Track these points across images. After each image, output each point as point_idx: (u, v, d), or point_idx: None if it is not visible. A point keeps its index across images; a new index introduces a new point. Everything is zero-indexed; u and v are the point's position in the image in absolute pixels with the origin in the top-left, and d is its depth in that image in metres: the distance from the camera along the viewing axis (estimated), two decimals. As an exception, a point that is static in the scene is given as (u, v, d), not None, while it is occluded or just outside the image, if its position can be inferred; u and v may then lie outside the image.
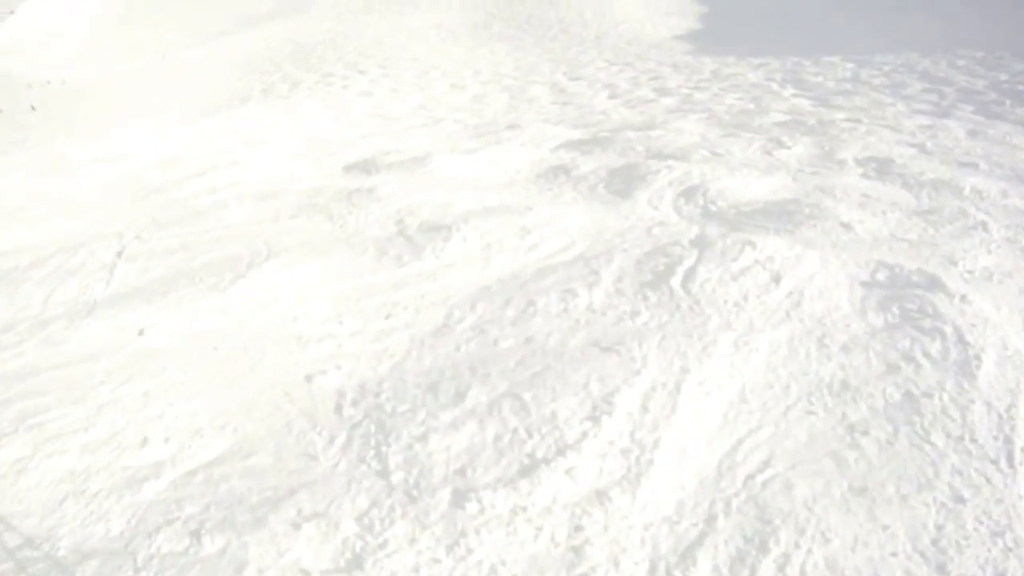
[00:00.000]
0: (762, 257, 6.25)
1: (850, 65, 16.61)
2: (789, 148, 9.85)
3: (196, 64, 24.46)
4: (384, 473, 4.00)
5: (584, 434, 4.14)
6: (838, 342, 5.12)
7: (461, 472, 3.93)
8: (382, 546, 3.59)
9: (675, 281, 5.99)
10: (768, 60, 18.00)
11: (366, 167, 10.30)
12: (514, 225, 7.27)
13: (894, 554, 3.53)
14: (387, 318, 5.72)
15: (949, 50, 16.52)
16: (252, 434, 4.50)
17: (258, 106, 18.37)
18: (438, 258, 6.68)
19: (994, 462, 4.04)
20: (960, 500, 3.81)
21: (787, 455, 4.11)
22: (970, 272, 6.07)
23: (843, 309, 5.56)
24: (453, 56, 22.25)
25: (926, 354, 4.96)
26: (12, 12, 28.91)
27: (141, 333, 5.67)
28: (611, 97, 15.88)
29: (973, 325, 5.23)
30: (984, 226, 6.92)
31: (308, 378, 4.97)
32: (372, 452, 4.17)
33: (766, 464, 4.04)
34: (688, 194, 8.12)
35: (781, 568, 3.46)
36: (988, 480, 3.92)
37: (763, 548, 3.56)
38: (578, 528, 3.66)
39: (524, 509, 3.72)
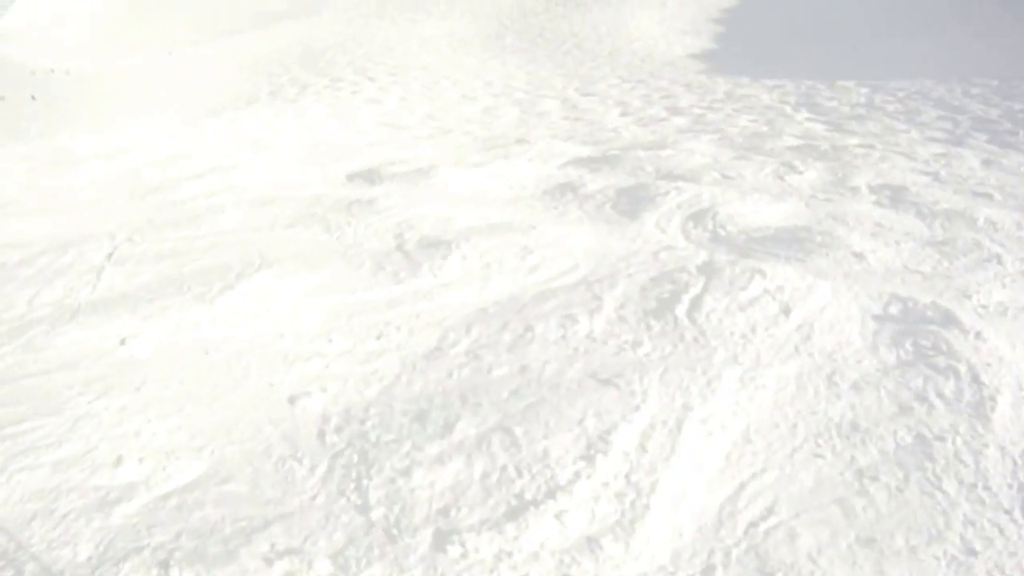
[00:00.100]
0: (772, 287, 6.02)
1: (864, 90, 16.47)
2: (802, 173, 9.67)
3: (203, 62, 24.41)
4: (364, 508, 3.76)
5: (577, 475, 3.89)
6: (848, 379, 4.89)
7: (444, 512, 3.69)
8: (357, 589, 3.37)
9: (680, 310, 5.76)
10: (782, 82, 17.86)
11: (370, 176, 10.16)
12: (516, 244, 7.05)
13: (903, 613, 3.30)
14: (378, 338, 5.50)
15: (964, 78, 16.38)
16: (230, 458, 4.28)
17: (264, 108, 18.33)
18: (435, 276, 6.46)
19: (1008, 512, 3.82)
20: (972, 552, 3.58)
21: (792, 502, 3.87)
22: (984, 307, 5.89)
23: (854, 344, 5.34)
24: (464, 66, 22.15)
25: (939, 394, 4.75)
26: (18, -1, 28.88)
27: (123, 343, 5.46)
28: (623, 114, 15.76)
29: (988, 364, 5.02)
30: (999, 259, 6.75)
31: (292, 400, 4.75)
32: (353, 485, 3.94)
33: (769, 511, 3.80)
34: (697, 217, 7.92)
35: (783, 628, 3.23)
36: (1001, 531, 3.69)
37: (764, 604, 3.33)
38: (566, 577, 3.43)
39: (509, 555, 3.47)
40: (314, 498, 3.88)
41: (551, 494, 3.76)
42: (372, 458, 4.11)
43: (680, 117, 15.13)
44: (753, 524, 3.72)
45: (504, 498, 3.77)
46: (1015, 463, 4.14)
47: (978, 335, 5.35)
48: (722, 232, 7.52)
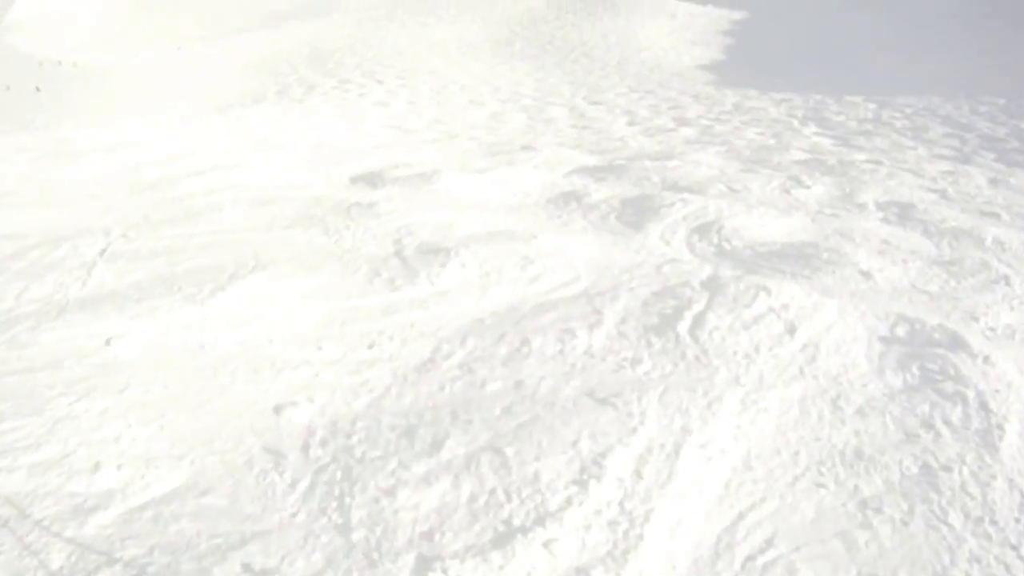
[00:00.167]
0: (777, 305, 5.86)
1: (872, 106, 16.37)
2: (809, 188, 9.57)
3: (211, 59, 24.38)
4: (345, 529, 3.60)
5: (568, 501, 3.71)
6: (853, 404, 4.74)
7: (428, 535, 3.52)
8: (333, 615, 3.21)
9: (682, 327, 5.59)
10: (791, 96, 17.75)
11: (372, 179, 10.04)
12: (517, 253, 6.89)
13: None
14: (370, 347, 5.34)
15: (971, 96, 16.30)
16: (210, 469, 4.12)
17: (271, 107, 18.31)
18: (432, 284, 6.30)
19: (1015, 548, 3.67)
20: (977, 591, 3.42)
21: (792, 534, 3.70)
22: (992, 329, 5.77)
23: (860, 367, 5.19)
24: (473, 72, 22.06)
25: (946, 421, 4.60)
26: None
27: (109, 343, 5.31)
28: (630, 124, 15.67)
29: (996, 390, 4.89)
30: (1007, 280, 6.65)
31: (277, 409, 4.59)
32: (335, 503, 3.77)
33: (768, 544, 3.63)
34: (702, 230, 7.78)
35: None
36: (1008, 569, 3.55)
37: (760, 644, 3.17)
38: (553, 611, 3.27)
39: (494, 585, 3.32)
40: (294, 515, 3.72)
41: (540, 521, 3.59)
42: (356, 475, 3.95)
43: (687, 128, 15.03)
44: (751, 558, 3.55)
45: (491, 523, 3.59)
46: (1023, 496, 4.00)
47: (986, 359, 5.22)
48: (727, 246, 7.37)
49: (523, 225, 7.91)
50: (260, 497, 3.87)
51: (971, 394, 4.83)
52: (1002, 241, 7.53)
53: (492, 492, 3.80)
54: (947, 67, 19.05)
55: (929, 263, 7.01)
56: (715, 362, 5.12)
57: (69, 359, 5.11)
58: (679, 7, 28.74)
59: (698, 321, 5.67)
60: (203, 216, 8.15)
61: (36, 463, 4.08)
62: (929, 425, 4.56)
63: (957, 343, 5.43)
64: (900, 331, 5.69)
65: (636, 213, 8.34)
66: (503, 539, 3.49)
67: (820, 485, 4.04)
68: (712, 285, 6.24)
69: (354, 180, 10.23)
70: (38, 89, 21.07)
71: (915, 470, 4.17)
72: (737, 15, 27.59)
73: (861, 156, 12.04)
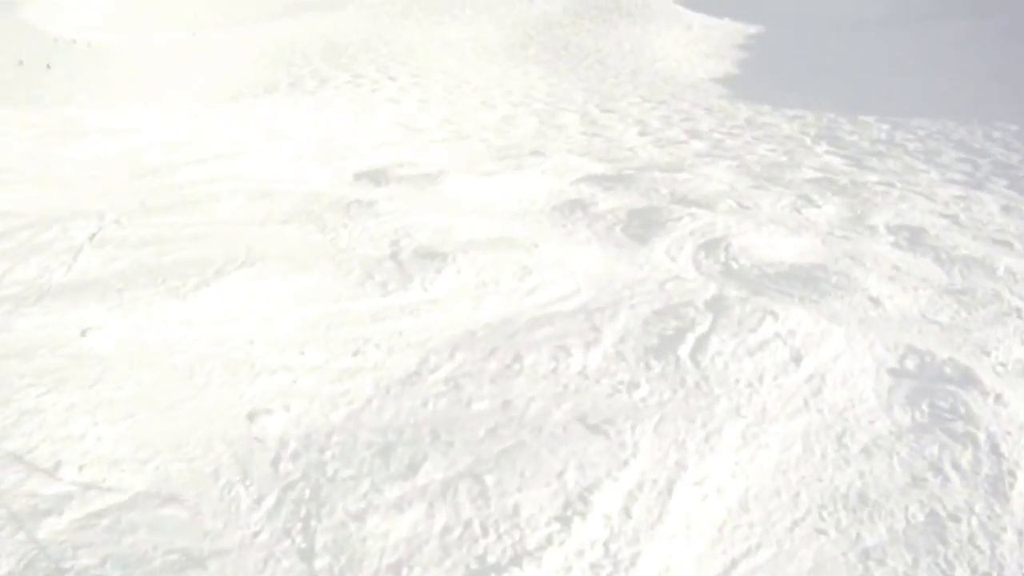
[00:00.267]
0: (783, 330, 5.60)
1: (885, 126, 16.15)
2: (819, 207, 9.34)
3: (225, 46, 24.34)
4: (308, 554, 3.35)
5: (549, 539, 3.43)
6: (859, 442, 4.48)
7: (395, 568, 3.25)
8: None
9: (683, 350, 5.32)
10: (804, 113, 17.53)
11: (376, 177, 9.85)
12: (516, 262, 6.63)
13: None
14: (355, 355, 5.08)
15: (985, 121, 16.07)
16: (175, 476, 3.90)
17: (282, 98, 18.28)
18: (426, 291, 6.05)
19: (1024, 608, 3.44)
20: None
21: (789, 584, 3.46)
22: (1003, 365, 5.55)
23: (868, 402, 4.94)
24: (486, 73, 21.90)
25: (955, 465, 4.36)
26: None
27: (84, 333, 5.10)
28: (641, 134, 15.50)
29: (1008, 433, 4.64)
30: (1019, 313, 6.43)
31: (251, 416, 4.35)
32: (300, 524, 3.52)
33: (762, 595, 3.39)
34: (710, 247, 7.54)
35: None
36: (1015, 632, 3.31)
37: None
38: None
39: (462, 627, 3.07)
40: (256, 535, 3.49)
41: (517, 560, 3.32)
42: (325, 495, 3.70)
43: (699, 141, 14.84)
44: (743, 609, 3.31)
45: (464, 559, 3.33)
46: (1033, 551, 3.75)
47: (998, 398, 4.98)
48: (734, 265, 7.14)
49: (525, 232, 7.67)
50: (223, 512, 3.64)
51: (982, 436, 4.60)
52: (1014, 271, 7.32)
53: (468, 524, 3.54)
54: (962, 91, 18.82)
55: (940, 292, 6.80)
56: (716, 390, 4.86)
57: (43, 348, 4.90)
58: (695, 18, 28.50)
59: (700, 344, 5.41)
60: (199, 205, 7.95)
61: (-4, 458, 3.84)
62: (937, 469, 4.32)
63: (968, 379, 5.19)
64: (910, 364, 5.45)
65: (643, 225, 8.11)
66: (475, 578, 3.25)
67: (821, 531, 3.79)
68: (717, 306, 5.98)
69: (358, 177, 10.05)
70: (49, 67, 21.05)
71: (921, 518, 3.94)
72: (753, 29, 27.33)
73: (873, 177, 11.84)
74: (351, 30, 26.58)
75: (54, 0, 28.49)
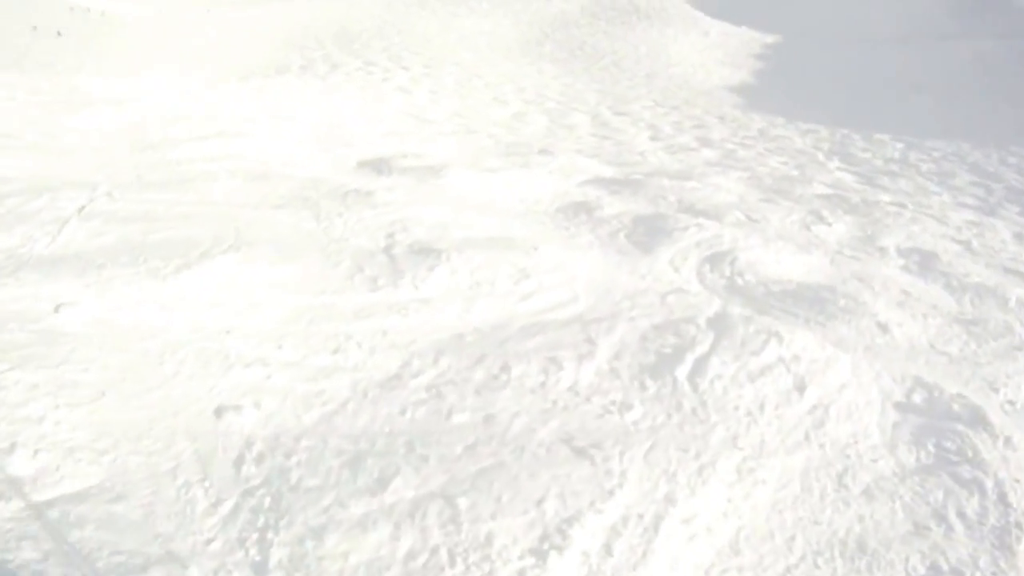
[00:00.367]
0: (787, 355, 5.34)
1: (899, 145, 15.87)
2: (830, 225, 9.08)
3: (239, 24, 24.21)
4: (261, 568, 3.11)
5: (521, 574, 3.19)
6: (861, 483, 4.23)
7: (352, 595, 3.04)
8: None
9: (682, 371, 5.06)
10: (817, 127, 17.26)
11: (378, 166, 9.67)
12: (513, 264, 6.37)
13: None
14: (334, 352, 4.83)
15: (1001, 145, 15.79)
16: (132, 470, 3.68)
17: (293, 80, 18.12)
18: (416, 289, 5.80)
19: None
20: None
21: (777, 637, 3.21)
22: (1012, 403, 5.31)
23: (872, 438, 4.69)
24: (500, 69, 21.68)
25: (960, 514, 4.11)
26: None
27: (57, 309, 4.90)
28: (652, 139, 15.28)
29: (1017, 481, 4.39)
30: (1030, 348, 6.16)
31: (219, 412, 4.12)
32: (256, 535, 3.28)
33: (749, 648, 3.14)
34: (715, 260, 7.30)
35: None
36: None
37: None
38: None
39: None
40: (209, 542, 3.25)
41: (484, 597, 3.08)
42: (286, 506, 3.45)
43: (710, 149, 14.60)
44: (727, 662, 3.05)
45: (426, 591, 3.09)
46: (1040, 613, 3.52)
47: (1007, 442, 4.74)
48: (740, 280, 6.90)
49: (526, 233, 7.42)
50: (177, 514, 3.42)
51: (989, 483, 4.35)
52: (1027, 304, 7.06)
53: (434, 551, 3.27)
54: (979, 114, 18.54)
55: (950, 321, 6.56)
56: (713, 417, 4.59)
57: (13, 322, 4.72)
58: (713, 25, 28.17)
59: (700, 366, 5.15)
60: (195, 184, 7.76)
61: (-51, 436, 3.64)
62: (941, 517, 4.08)
63: (977, 419, 4.94)
64: (917, 398, 5.21)
65: (648, 233, 7.86)
66: (436, 613, 2.99)
67: (815, 581, 3.53)
68: (719, 324, 5.72)
69: (361, 165, 9.88)
70: (59, 34, 20.95)
71: (922, 570, 3.70)
72: (770, 39, 26.98)
73: (885, 197, 11.57)
74: (365, 16, 26.34)
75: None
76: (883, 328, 6.19)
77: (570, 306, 5.93)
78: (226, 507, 3.45)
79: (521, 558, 3.29)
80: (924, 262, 8.00)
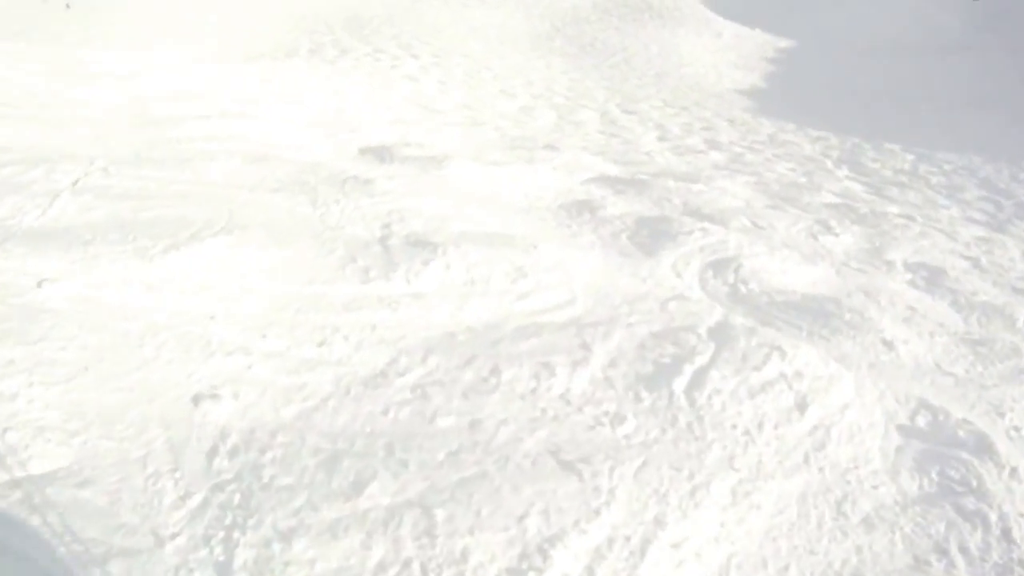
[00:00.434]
0: (789, 371, 5.16)
1: (910, 157, 15.72)
2: (837, 235, 8.92)
3: (251, 5, 24.06)
4: (224, 569, 2.95)
5: (495, 597, 3.03)
6: (860, 511, 4.06)
7: (315, 606, 2.87)
8: None
9: (679, 383, 4.87)
10: (827, 135, 17.11)
11: (381, 154, 9.52)
12: (511, 262, 6.19)
13: None
14: (320, 345, 4.66)
15: (1013, 161, 15.62)
16: (101, 455, 3.54)
17: (301, 63, 18.01)
18: (409, 283, 5.62)
19: None
20: None
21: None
22: (1017, 430, 5.14)
23: (873, 463, 4.51)
24: (509, 61, 21.55)
25: (963, 548, 3.95)
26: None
27: (40, 284, 4.76)
28: (660, 139, 15.14)
29: (1021, 515, 4.23)
30: (1037, 370, 6.01)
31: (196, 400, 3.96)
32: (223, 534, 3.12)
33: None
34: (719, 267, 7.13)
35: None
36: None
37: None
38: None
39: None
40: (173, 537, 3.10)
41: (454, 617, 2.91)
42: (256, 504, 3.29)
43: (718, 152, 14.45)
44: None
45: (394, 608, 2.92)
46: (1039, 660, 3.37)
47: (1013, 472, 4.57)
48: (743, 289, 6.74)
49: (526, 230, 7.25)
50: (143, 505, 3.28)
51: (993, 516, 4.19)
52: (1035, 326, 6.90)
53: (406, 564, 3.09)
54: (992, 128, 18.37)
55: (956, 340, 6.41)
56: (709, 435, 4.41)
57: (-6, 295, 4.56)
58: (726, 27, 27.95)
59: (698, 379, 4.96)
60: (192, 163, 7.60)
61: (-84, 411, 3.52)
62: (943, 551, 3.91)
63: (983, 447, 4.77)
64: (921, 421, 5.05)
65: (651, 236, 7.69)
66: (404, 633, 2.83)
67: (809, 614, 3.37)
68: (720, 335, 5.55)
69: (363, 151, 9.74)
70: (68, 6, 20.87)
71: (921, 610, 3.53)
72: (784, 43, 26.78)
73: (894, 208, 11.41)
74: (377, 3, 26.19)
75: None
76: (888, 345, 6.03)
77: (567, 308, 5.76)
78: (194, 501, 3.30)
79: (498, 578, 3.12)
80: (931, 278, 7.87)
